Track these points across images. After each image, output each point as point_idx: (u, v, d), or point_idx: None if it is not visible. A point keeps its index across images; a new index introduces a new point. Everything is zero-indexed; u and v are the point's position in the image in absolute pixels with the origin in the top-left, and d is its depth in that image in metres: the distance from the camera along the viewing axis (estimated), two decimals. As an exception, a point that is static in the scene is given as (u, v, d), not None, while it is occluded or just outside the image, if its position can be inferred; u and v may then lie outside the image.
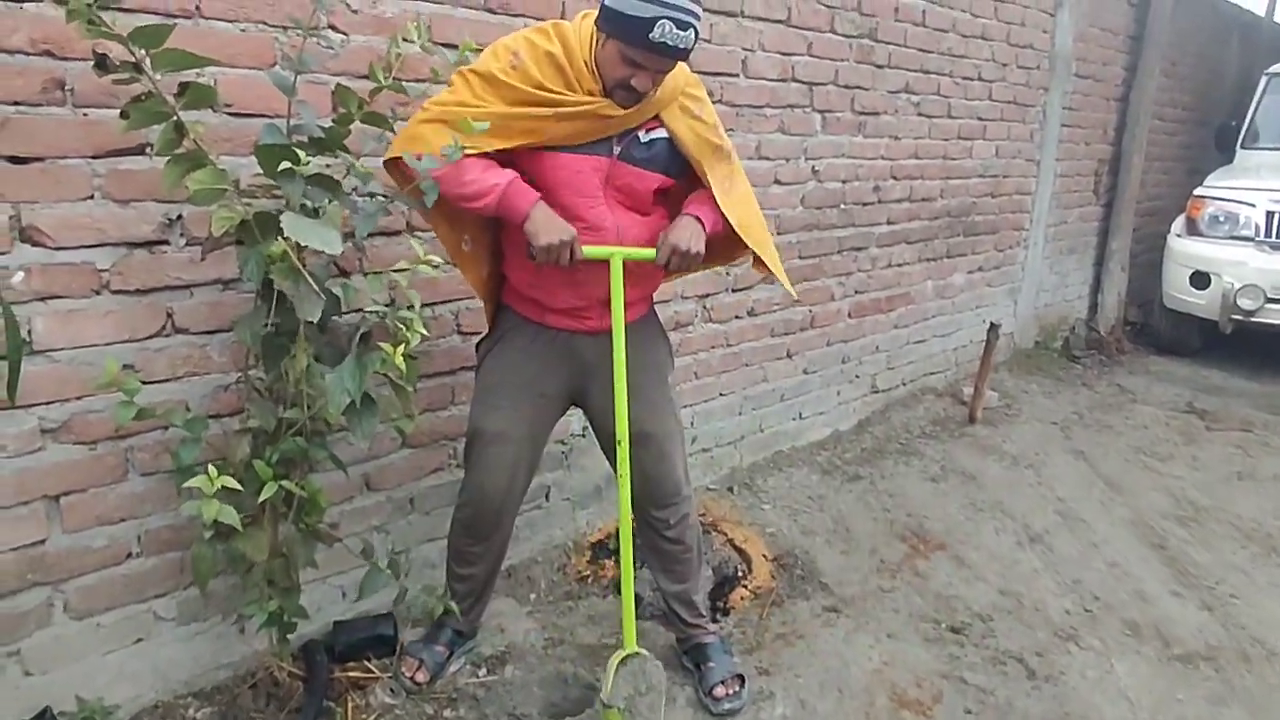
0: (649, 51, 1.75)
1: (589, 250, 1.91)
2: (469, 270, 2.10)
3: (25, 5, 1.64)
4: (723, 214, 1.99)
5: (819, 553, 2.96)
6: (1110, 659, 2.48)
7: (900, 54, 3.82)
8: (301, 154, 1.63)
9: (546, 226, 1.83)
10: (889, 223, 4.03)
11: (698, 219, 1.98)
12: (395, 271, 1.56)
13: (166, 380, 1.95)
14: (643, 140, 1.95)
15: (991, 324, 4.24)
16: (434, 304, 2.41)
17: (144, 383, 1.91)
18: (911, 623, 2.60)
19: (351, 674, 2.18)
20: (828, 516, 3.23)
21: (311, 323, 1.64)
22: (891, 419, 4.18)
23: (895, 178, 3.99)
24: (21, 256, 1.72)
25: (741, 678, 2.23)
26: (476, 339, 2.27)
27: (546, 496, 2.86)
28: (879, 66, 3.72)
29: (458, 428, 2.50)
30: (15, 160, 1.69)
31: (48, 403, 1.80)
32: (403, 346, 1.54)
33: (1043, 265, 5.36)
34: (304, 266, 1.64)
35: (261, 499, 1.68)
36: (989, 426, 4.24)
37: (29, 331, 1.75)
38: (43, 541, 1.84)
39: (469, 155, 1.74)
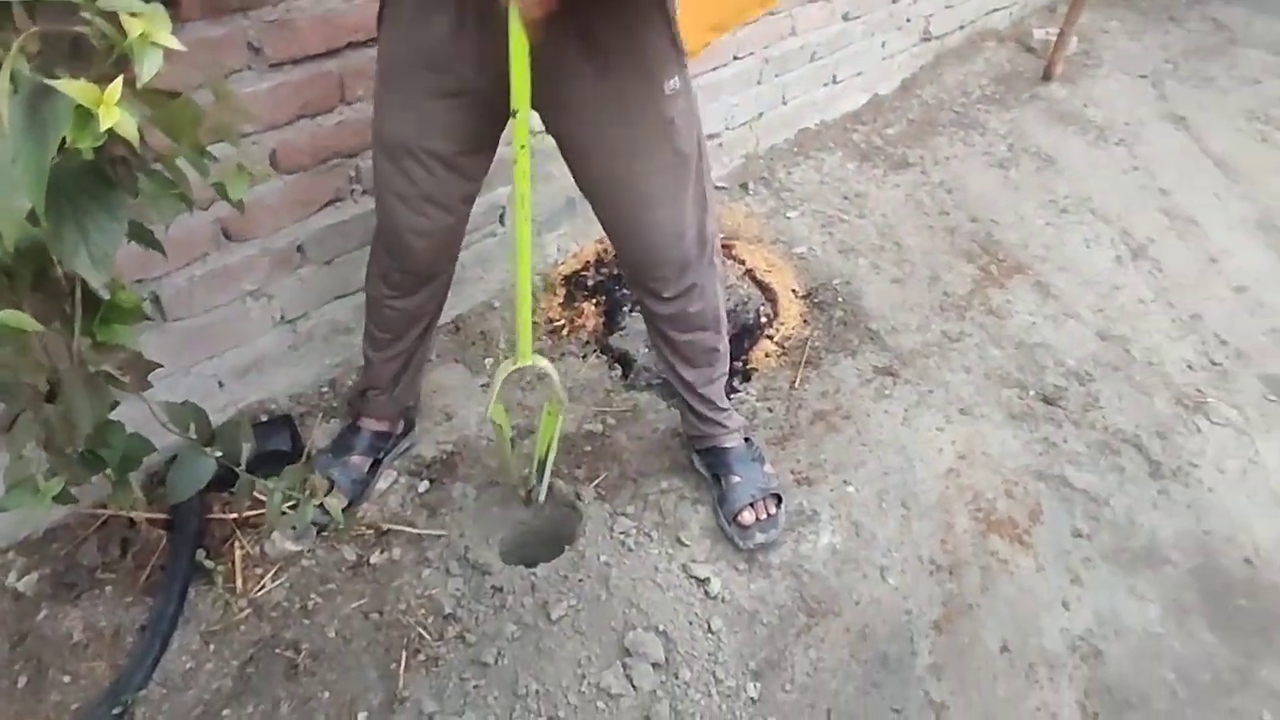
0: None
1: None
2: None
3: None
4: None
5: (864, 282, 2.26)
6: (1252, 438, 1.91)
7: None
8: None
9: None
10: None
11: None
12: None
13: None
14: None
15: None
16: (282, -63, 1.44)
17: None
18: (990, 389, 1.98)
19: (237, 513, 1.57)
20: (871, 225, 2.48)
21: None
22: (944, 77, 3.25)
23: None
24: None
25: (778, 496, 1.64)
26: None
27: (501, 220, 2.09)
28: None
29: (354, 138, 1.67)
30: None
31: None
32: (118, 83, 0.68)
33: None
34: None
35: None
36: (1067, 85, 3.33)
37: None
38: None
39: None
